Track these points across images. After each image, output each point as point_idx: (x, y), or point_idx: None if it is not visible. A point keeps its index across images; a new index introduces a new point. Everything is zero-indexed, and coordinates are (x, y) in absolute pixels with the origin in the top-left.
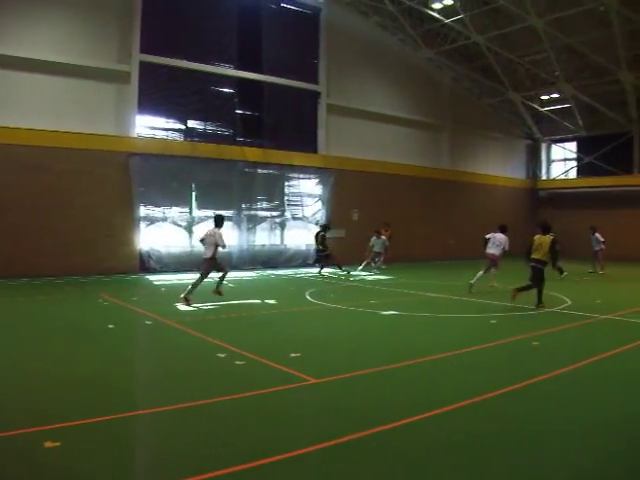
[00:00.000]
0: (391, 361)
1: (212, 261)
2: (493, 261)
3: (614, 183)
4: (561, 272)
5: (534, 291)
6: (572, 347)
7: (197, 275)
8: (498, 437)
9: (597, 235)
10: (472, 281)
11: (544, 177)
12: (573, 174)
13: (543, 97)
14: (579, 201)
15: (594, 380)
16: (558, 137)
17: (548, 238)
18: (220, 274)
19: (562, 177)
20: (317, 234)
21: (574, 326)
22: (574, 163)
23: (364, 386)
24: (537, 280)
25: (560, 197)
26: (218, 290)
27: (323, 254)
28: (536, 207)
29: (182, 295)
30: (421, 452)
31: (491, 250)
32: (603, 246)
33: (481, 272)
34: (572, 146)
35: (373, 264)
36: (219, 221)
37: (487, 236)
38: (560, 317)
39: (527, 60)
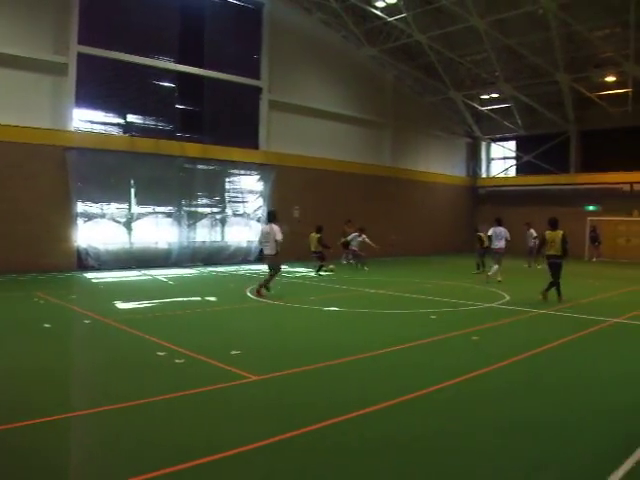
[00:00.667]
0: (331, 357)
1: (277, 256)
2: (499, 254)
3: (552, 181)
4: (478, 267)
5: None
6: (510, 341)
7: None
8: (432, 436)
9: (531, 231)
10: (490, 273)
11: (484, 175)
12: (512, 172)
13: (483, 96)
14: (518, 199)
15: (530, 375)
16: (498, 136)
17: (559, 233)
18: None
19: (501, 175)
20: (314, 236)
21: (513, 320)
22: (513, 161)
23: (304, 383)
24: (557, 275)
25: (499, 194)
26: (265, 287)
27: (318, 255)
28: (476, 204)
29: (258, 287)
30: (358, 449)
31: (498, 244)
32: (537, 241)
33: (496, 266)
34: (511, 145)
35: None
36: (273, 215)
37: (489, 233)
38: (500, 312)
39: (468, 60)
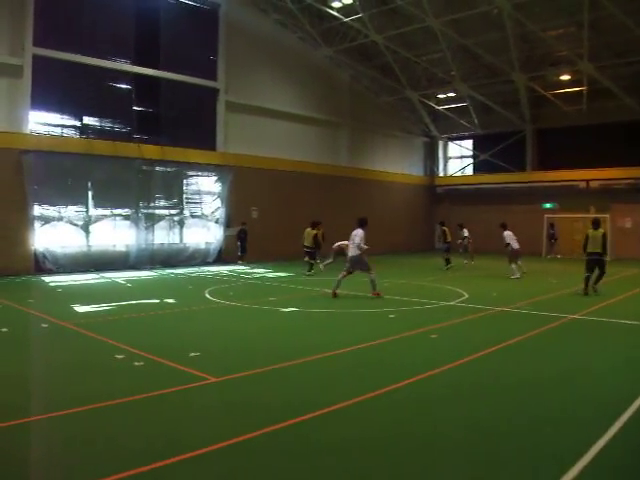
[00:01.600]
0: (290, 358)
1: (363, 256)
2: (515, 254)
3: (508, 180)
4: (448, 262)
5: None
6: (469, 339)
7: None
8: (389, 435)
9: (464, 230)
10: (517, 275)
11: (441, 174)
12: (469, 171)
13: (440, 96)
14: (475, 197)
15: (487, 374)
16: (455, 135)
17: (600, 232)
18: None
19: (459, 174)
20: (311, 232)
21: (472, 318)
22: (470, 160)
23: (263, 384)
24: (603, 269)
25: (457, 193)
26: (375, 292)
27: (311, 251)
28: (434, 203)
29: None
30: (315, 450)
31: (515, 246)
32: (470, 240)
33: (514, 265)
34: (468, 144)
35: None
36: (363, 222)
37: (507, 240)
38: (458, 310)
39: (424, 59)
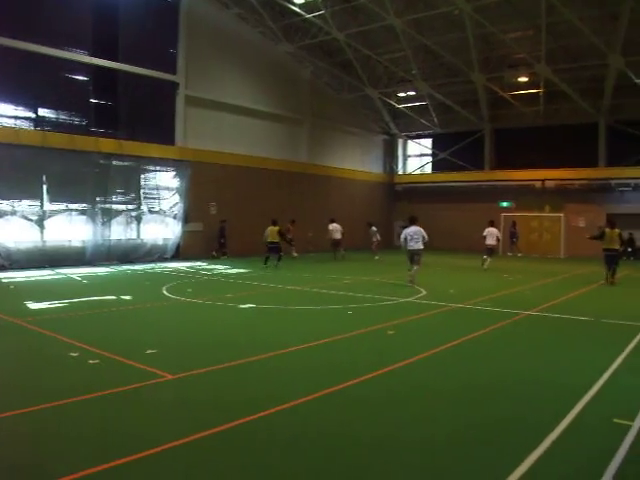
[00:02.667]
0: (247, 355)
1: (423, 250)
2: (491, 250)
3: (466, 178)
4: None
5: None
6: (426, 336)
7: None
8: (341, 432)
9: (373, 228)
10: (485, 266)
11: (400, 172)
12: (428, 169)
13: (400, 94)
14: (433, 195)
15: (442, 370)
16: (414, 133)
17: (616, 231)
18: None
19: (418, 172)
20: (274, 229)
21: (430, 315)
22: (429, 158)
23: (219, 381)
24: (617, 263)
25: (415, 191)
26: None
27: (275, 247)
28: (393, 200)
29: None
30: (270, 447)
31: (489, 242)
32: (378, 238)
33: (489, 259)
34: (427, 142)
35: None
36: (416, 219)
37: (484, 233)
38: (416, 306)
39: (385, 58)
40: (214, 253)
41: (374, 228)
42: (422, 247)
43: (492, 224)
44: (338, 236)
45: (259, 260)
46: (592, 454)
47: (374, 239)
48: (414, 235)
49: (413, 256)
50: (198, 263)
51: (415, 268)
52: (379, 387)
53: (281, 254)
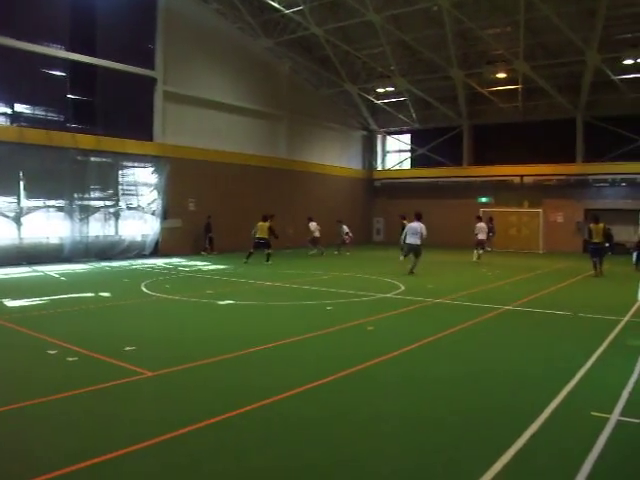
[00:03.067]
0: (225, 352)
1: (421, 246)
2: (480, 244)
3: (445, 174)
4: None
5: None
6: (405, 331)
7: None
8: (328, 423)
9: (344, 227)
10: (475, 258)
11: (379, 167)
12: (407, 165)
13: (379, 90)
14: (412, 191)
15: (420, 366)
16: (393, 129)
17: (600, 226)
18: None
19: (396, 168)
20: (264, 225)
21: (408, 310)
22: (408, 154)
23: (199, 378)
24: (603, 256)
25: (394, 187)
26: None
27: (264, 243)
28: (372, 196)
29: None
30: (253, 443)
31: (481, 236)
32: (349, 235)
33: (481, 251)
34: (406, 138)
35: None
36: (420, 215)
37: (475, 230)
38: (395, 302)
39: (364, 53)
40: (203, 253)
41: (344, 226)
42: (419, 242)
43: (480, 219)
44: (317, 234)
45: (240, 257)
46: (571, 446)
47: (345, 236)
48: (414, 231)
49: (410, 250)
50: (177, 260)
51: (414, 260)
52: (359, 381)
53: (270, 251)
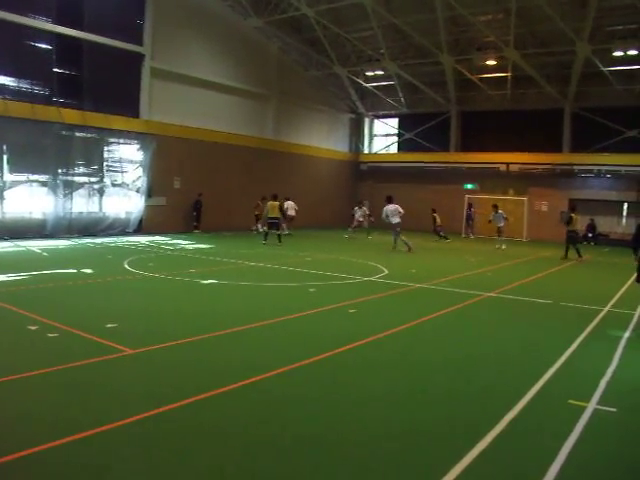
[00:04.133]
0: (207, 331)
1: (399, 224)
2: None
3: (432, 159)
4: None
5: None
6: (386, 315)
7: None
8: (308, 403)
9: (363, 208)
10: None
11: (366, 151)
12: (394, 149)
13: (368, 73)
14: (399, 175)
15: (400, 349)
16: (381, 113)
17: (576, 215)
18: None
19: (383, 152)
20: (275, 204)
21: (391, 294)
22: (395, 138)
23: (180, 356)
24: (574, 242)
25: (381, 171)
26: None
27: (276, 222)
28: (358, 179)
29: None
30: (235, 422)
31: (500, 224)
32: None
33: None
34: (394, 122)
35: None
36: (391, 198)
37: (490, 217)
38: (378, 285)
39: (355, 36)
40: (196, 231)
41: (364, 208)
42: (399, 220)
43: (496, 208)
44: (292, 213)
45: (225, 237)
46: (548, 433)
47: (361, 219)
48: (397, 211)
49: (395, 228)
50: (161, 238)
51: (396, 237)
52: (340, 362)
53: (280, 232)
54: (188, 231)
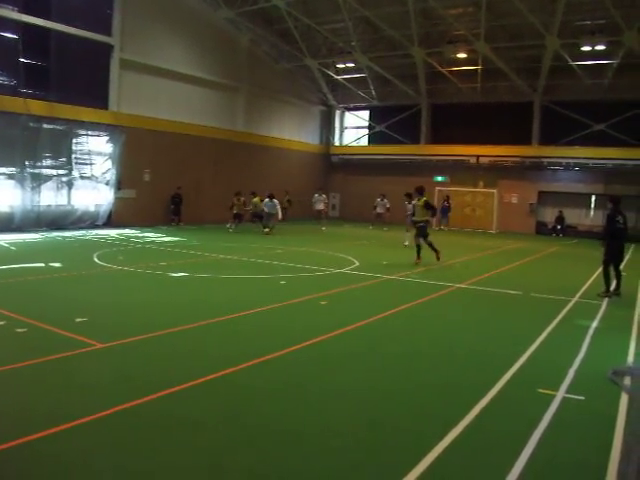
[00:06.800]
0: (179, 323)
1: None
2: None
3: (402, 152)
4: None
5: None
6: (357, 307)
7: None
8: (277, 395)
9: (385, 200)
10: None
11: (337, 143)
12: (365, 141)
13: (339, 65)
14: (369, 167)
15: (369, 342)
16: (352, 105)
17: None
18: None
19: (354, 144)
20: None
21: (362, 286)
22: (366, 131)
23: (149, 350)
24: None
25: (352, 163)
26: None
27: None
28: (329, 172)
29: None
30: (202, 416)
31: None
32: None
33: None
34: (365, 114)
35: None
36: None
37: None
38: (349, 277)
39: (325, 28)
40: (181, 223)
41: (385, 200)
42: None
43: (410, 197)
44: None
45: (196, 230)
46: (518, 421)
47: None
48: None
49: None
50: (131, 231)
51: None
52: (312, 354)
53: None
54: (158, 224)
